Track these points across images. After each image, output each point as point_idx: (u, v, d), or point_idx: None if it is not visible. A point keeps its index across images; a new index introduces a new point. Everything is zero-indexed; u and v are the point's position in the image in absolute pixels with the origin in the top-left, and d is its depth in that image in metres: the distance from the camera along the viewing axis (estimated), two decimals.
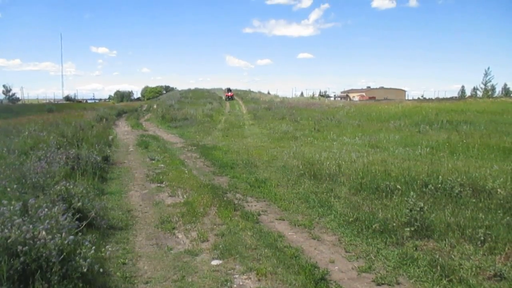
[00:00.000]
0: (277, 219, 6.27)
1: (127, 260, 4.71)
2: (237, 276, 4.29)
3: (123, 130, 22.12)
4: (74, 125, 15.71)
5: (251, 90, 58.01)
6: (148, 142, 15.70)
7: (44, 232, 3.58)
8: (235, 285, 4.07)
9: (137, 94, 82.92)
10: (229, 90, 48.85)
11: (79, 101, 58.83)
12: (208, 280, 4.17)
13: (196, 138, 17.55)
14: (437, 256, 4.45)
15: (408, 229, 5.20)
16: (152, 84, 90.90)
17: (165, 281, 4.20)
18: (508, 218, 5.48)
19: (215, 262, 4.64)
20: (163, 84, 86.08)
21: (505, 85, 74.24)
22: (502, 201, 6.11)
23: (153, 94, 74.11)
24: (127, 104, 54.07)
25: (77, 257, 3.62)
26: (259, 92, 56.50)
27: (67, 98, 62.86)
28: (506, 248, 4.54)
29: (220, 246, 5.07)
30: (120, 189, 8.22)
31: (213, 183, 8.57)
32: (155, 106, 37.49)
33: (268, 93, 61.00)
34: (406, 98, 67.32)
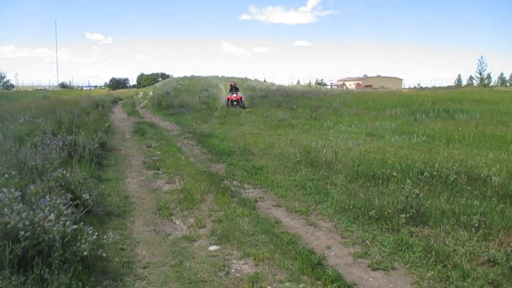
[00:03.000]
0: (274, 206, 6.32)
1: (125, 246, 4.75)
2: (234, 261, 4.34)
3: (119, 117, 22.04)
4: (70, 111, 15.63)
5: (248, 77, 57.64)
6: (144, 129, 15.66)
7: (44, 220, 3.61)
8: (232, 270, 4.12)
9: (132, 81, 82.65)
10: (234, 88, 25.01)
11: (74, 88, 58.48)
12: (206, 265, 4.22)
13: (193, 126, 17.52)
14: (432, 242, 4.51)
15: (403, 215, 5.26)
16: (148, 71, 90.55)
17: (163, 266, 4.24)
18: (502, 205, 5.55)
19: (212, 248, 4.69)
20: (159, 71, 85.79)
21: (502, 74, 74.42)
22: (496, 189, 6.18)
23: (149, 81, 73.81)
24: (122, 91, 53.77)
25: (78, 243, 3.65)
26: (256, 80, 56.12)
27: (63, 85, 62.52)
28: (500, 235, 4.60)
29: (218, 232, 5.12)
30: (117, 176, 8.24)
31: (210, 170, 8.60)
32: (151, 93, 37.26)
33: (265, 81, 60.79)
34: (403, 86, 67.40)
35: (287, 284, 3.78)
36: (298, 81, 77.25)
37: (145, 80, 76.05)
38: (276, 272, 4.05)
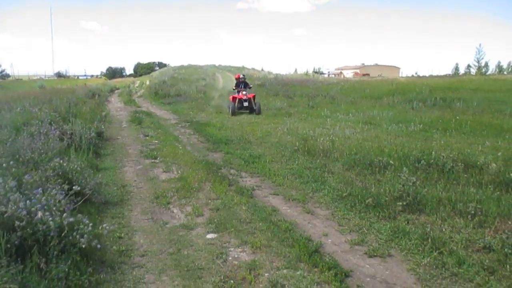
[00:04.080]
0: (271, 194, 6.33)
1: (122, 234, 4.76)
2: (232, 249, 4.36)
3: (116, 106, 21.97)
4: (66, 101, 15.56)
5: (245, 66, 57.31)
6: (141, 118, 15.62)
7: (41, 210, 3.61)
8: (230, 258, 4.14)
9: (129, 70, 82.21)
10: (242, 83, 18.09)
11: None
12: (204, 253, 4.24)
13: (190, 115, 17.48)
14: (428, 230, 4.53)
15: (400, 203, 5.28)
16: (145, 60, 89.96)
17: (161, 254, 4.26)
18: (498, 192, 5.59)
19: (210, 236, 4.71)
20: (156, 60, 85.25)
21: (499, 62, 74.40)
22: (493, 176, 6.21)
23: (145, 70, 73.38)
24: (119, 80, 53.52)
25: (74, 233, 3.65)
26: (253, 69, 55.77)
27: (59, 75, 62.18)
28: (496, 222, 4.63)
29: (215, 220, 5.13)
30: (115, 165, 8.23)
31: (208, 159, 8.60)
32: (147, 83, 37.09)
33: (262, 69, 60.39)
34: (400, 75, 67.25)
35: (284, 271, 3.80)
36: (296, 70, 77.06)
37: (142, 69, 75.62)
38: (274, 259, 4.07)
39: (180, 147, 9.86)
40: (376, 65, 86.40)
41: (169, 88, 28.20)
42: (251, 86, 18.70)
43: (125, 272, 3.85)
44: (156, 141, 10.87)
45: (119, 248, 4.34)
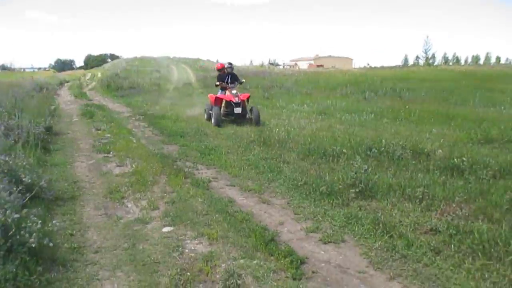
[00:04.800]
0: (227, 185, 6.33)
1: (74, 231, 4.60)
2: (188, 241, 4.33)
3: (65, 100, 21.17)
4: (12, 95, 14.81)
5: (200, 58, 56.74)
6: (93, 111, 15.14)
7: None
8: (186, 250, 4.12)
9: (79, 63, 79.49)
10: (229, 75, 12.33)
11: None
12: (160, 247, 4.19)
13: (144, 107, 17.15)
14: (380, 215, 4.70)
15: (353, 190, 5.43)
16: (96, 52, 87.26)
17: (115, 249, 4.17)
18: (443, 177, 5.89)
19: (166, 229, 4.65)
20: (108, 52, 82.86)
21: (445, 54, 77.76)
22: (439, 162, 6.52)
23: (97, 62, 71.16)
24: (69, 73, 51.61)
25: (22, 231, 3.50)
26: (208, 61, 55.38)
27: (3, 67, 59.10)
28: (441, 205, 4.87)
29: (171, 213, 5.07)
30: (65, 160, 7.93)
31: (163, 152, 8.47)
32: (99, 75, 36.04)
33: (217, 61, 60.12)
34: (353, 66, 68.82)
35: (241, 261, 3.82)
36: (251, 62, 77.05)
37: (93, 61, 73.29)
38: (230, 250, 4.08)
39: (134, 141, 9.66)
40: (330, 56, 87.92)
41: (122, 80, 27.59)
42: (242, 80, 12.94)
43: (77, 270, 3.74)
44: (109, 135, 10.57)
45: (71, 245, 4.20)
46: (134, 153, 8.27)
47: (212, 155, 8.15)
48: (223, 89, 12.13)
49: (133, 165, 7.36)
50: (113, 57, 76.71)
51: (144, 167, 7.08)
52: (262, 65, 59.58)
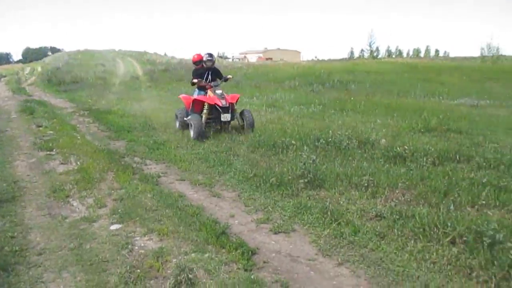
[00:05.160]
0: (177, 180, 6.26)
1: (16, 233, 4.37)
2: (138, 238, 4.24)
3: (2, 96, 20.01)
4: None
5: (147, 51, 55.31)
6: (33, 107, 14.40)
7: None
8: (136, 247, 4.03)
9: (17, 56, 75.22)
10: (209, 70, 9.53)
11: None
12: (108, 245, 4.08)
13: (89, 102, 16.55)
14: (328, 203, 4.82)
15: (302, 181, 5.53)
16: (35, 45, 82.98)
17: (60, 250, 4.01)
18: (387, 165, 6.15)
19: (114, 227, 4.53)
20: (48, 45, 79.00)
21: (388, 47, 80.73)
22: (383, 151, 6.79)
23: (36, 56, 67.74)
24: (5, 67, 48.76)
25: None
26: (155, 54, 54.13)
27: None
28: (386, 192, 5.08)
29: (119, 210, 4.94)
30: (3, 160, 7.51)
31: (109, 148, 8.23)
32: (39, 69, 34.32)
33: (165, 54, 58.89)
34: (301, 59, 69.84)
35: (193, 255, 3.80)
36: None
37: (32, 55, 69.79)
38: (181, 244, 4.04)
39: (79, 137, 9.30)
40: (279, 49, 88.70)
41: (64, 74, 26.47)
42: (229, 76, 10.00)
43: (20, 273, 3.56)
44: (51, 132, 10.11)
45: (12, 248, 4.00)
46: (79, 150, 7.97)
47: (161, 149, 8.02)
48: (202, 88, 9.44)
49: (78, 162, 7.10)
50: (54, 50, 73.35)
51: (90, 164, 6.84)
52: None
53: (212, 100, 8.85)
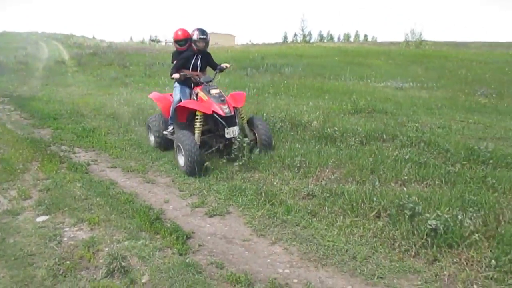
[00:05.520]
0: (108, 167, 6.07)
1: None
2: (67, 229, 4.07)
3: None
4: None
5: (73, 34, 52.40)
6: None
7: None
8: (65, 238, 3.87)
9: None
10: (198, 55, 6.25)
11: None
12: (34, 238, 3.87)
13: (9, 89, 15.44)
14: (262, 185, 4.90)
15: (236, 164, 5.58)
16: None
17: None
18: (318, 146, 6.35)
19: (40, 219, 4.31)
20: None
21: (320, 31, 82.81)
22: (314, 132, 7.00)
23: None
24: None
25: None
26: (83, 37, 51.43)
27: None
28: (317, 171, 5.26)
29: (46, 201, 4.70)
30: None
31: (33, 136, 7.77)
32: None
33: (94, 37, 56.14)
34: (236, 43, 69.63)
35: (126, 243, 3.72)
36: (131, 38, 73.55)
37: None
38: (114, 233, 3.94)
39: None
40: (213, 33, 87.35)
41: None
42: (226, 65, 6.89)
43: None
44: None
45: None
46: None
47: (90, 137, 7.71)
48: (186, 82, 6.42)
49: None
50: None
51: (12, 154, 6.42)
52: (143, 42, 57.22)
53: (209, 107, 5.83)
